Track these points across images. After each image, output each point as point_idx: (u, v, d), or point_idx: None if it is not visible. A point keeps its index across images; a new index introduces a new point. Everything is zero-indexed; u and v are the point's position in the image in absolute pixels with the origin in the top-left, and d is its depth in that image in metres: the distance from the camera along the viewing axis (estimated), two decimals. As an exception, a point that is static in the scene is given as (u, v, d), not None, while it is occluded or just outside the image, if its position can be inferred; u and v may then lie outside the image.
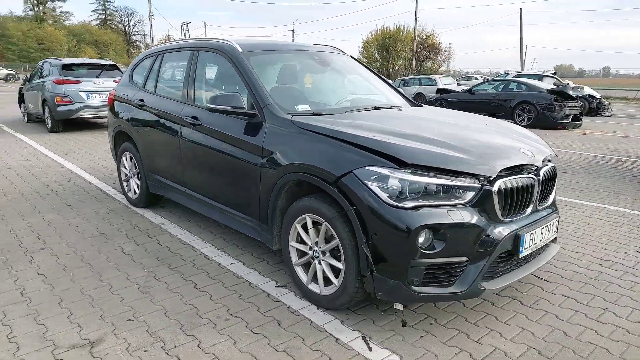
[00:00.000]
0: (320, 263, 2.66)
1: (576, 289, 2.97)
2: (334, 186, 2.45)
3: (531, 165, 2.60)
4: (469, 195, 2.34)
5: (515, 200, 2.47)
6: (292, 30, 69.83)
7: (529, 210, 2.58)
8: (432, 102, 15.50)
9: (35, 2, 77.53)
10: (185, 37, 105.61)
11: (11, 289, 2.87)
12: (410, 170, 2.29)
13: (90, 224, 4.08)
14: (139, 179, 4.47)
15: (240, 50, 3.38)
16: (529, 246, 2.53)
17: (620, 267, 3.30)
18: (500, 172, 2.40)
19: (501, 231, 2.39)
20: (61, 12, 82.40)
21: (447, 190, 2.31)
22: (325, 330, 2.47)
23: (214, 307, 2.69)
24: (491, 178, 2.36)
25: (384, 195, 2.27)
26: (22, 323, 2.48)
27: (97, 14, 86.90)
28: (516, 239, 2.44)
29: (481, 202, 2.34)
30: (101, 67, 10.04)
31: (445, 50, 48.81)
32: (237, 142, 3.09)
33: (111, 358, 2.19)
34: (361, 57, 62.63)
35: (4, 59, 64.77)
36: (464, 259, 2.32)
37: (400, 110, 3.47)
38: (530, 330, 2.50)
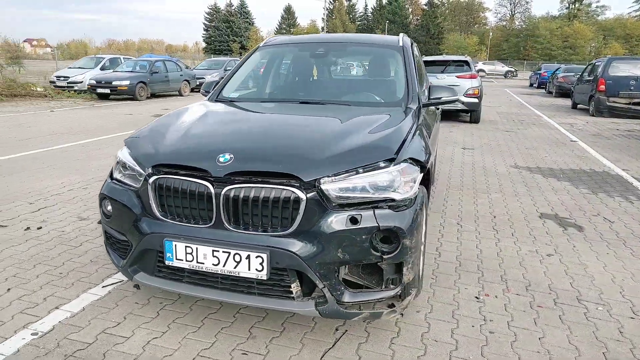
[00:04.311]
0: None
1: None
2: None
3: (203, 171, 2.17)
4: (141, 181, 2.40)
5: (180, 203, 2.23)
6: None
7: (211, 222, 2.19)
8: None
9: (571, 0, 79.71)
10: None
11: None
12: (127, 151, 2.60)
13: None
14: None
15: (262, 44, 3.98)
16: (186, 260, 2.21)
17: None
18: (163, 167, 2.28)
19: (150, 228, 2.30)
20: (596, 7, 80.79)
21: (134, 172, 2.46)
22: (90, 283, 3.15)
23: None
24: (149, 169, 2.31)
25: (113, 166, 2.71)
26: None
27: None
28: (162, 243, 2.25)
29: (143, 192, 2.36)
30: (452, 63, 10.88)
31: None
32: None
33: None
34: None
35: (527, 57, 71.30)
36: (124, 238, 2.45)
37: (325, 106, 3.14)
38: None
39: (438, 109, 4.20)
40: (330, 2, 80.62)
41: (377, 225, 2.13)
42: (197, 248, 2.18)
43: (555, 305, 2.81)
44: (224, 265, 2.17)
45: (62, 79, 16.03)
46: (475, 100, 10.64)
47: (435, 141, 3.74)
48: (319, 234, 2.11)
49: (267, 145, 2.36)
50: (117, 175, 2.57)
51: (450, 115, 12.09)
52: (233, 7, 72.57)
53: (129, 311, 2.62)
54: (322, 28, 65.80)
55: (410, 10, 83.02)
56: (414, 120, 2.87)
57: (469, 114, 11.22)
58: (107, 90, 14.43)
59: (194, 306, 2.67)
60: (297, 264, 2.11)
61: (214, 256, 2.17)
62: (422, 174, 2.46)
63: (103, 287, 2.89)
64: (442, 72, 10.76)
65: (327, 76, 3.75)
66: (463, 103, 10.65)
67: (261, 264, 2.11)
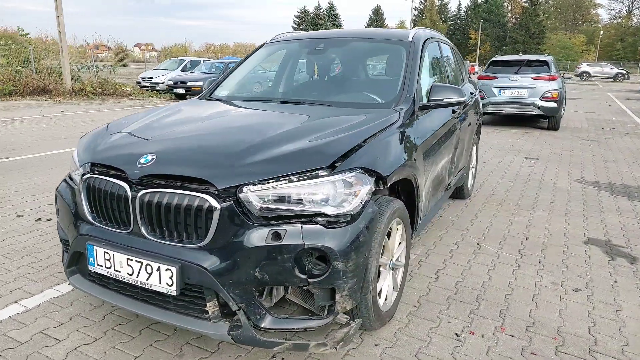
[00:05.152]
0: None
1: None
2: None
3: (122, 171, 2.03)
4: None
5: (104, 205, 2.11)
6: None
7: (130, 228, 2.04)
8: None
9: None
10: None
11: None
12: (76, 149, 2.55)
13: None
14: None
15: (268, 41, 3.81)
16: (105, 267, 2.08)
17: None
18: (97, 166, 2.18)
19: (80, 229, 2.20)
20: None
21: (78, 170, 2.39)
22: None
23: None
24: (87, 167, 2.22)
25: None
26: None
27: None
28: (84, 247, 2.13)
29: (77, 191, 2.27)
30: (529, 63, 9.86)
31: None
32: None
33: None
34: None
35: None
36: (66, 238, 2.39)
37: (304, 106, 2.87)
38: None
39: (456, 111, 3.69)
40: (420, 1, 78.53)
41: (302, 243, 1.84)
42: (114, 255, 2.05)
43: (555, 355, 2.27)
44: (137, 276, 2.01)
45: (147, 79, 17.25)
46: (554, 104, 9.55)
47: (445, 150, 3.28)
48: (235, 249, 1.87)
49: (191, 147, 2.16)
50: (72, 173, 2.53)
51: (526, 121, 11.03)
52: (321, 10, 73.58)
53: (78, 312, 2.57)
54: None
55: (508, 8, 78.15)
56: (393, 124, 2.50)
57: (547, 120, 10.12)
58: (183, 91, 15.22)
59: (142, 313, 2.55)
60: (208, 281, 1.88)
61: (128, 265, 2.02)
62: (380, 186, 2.12)
63: (69, 284, 2.87)
64: (516, 72, 9.80)
65: (322, 74, 3.46)
66: (539, 107, 9.64)
67: (171, 277, 1.92)
